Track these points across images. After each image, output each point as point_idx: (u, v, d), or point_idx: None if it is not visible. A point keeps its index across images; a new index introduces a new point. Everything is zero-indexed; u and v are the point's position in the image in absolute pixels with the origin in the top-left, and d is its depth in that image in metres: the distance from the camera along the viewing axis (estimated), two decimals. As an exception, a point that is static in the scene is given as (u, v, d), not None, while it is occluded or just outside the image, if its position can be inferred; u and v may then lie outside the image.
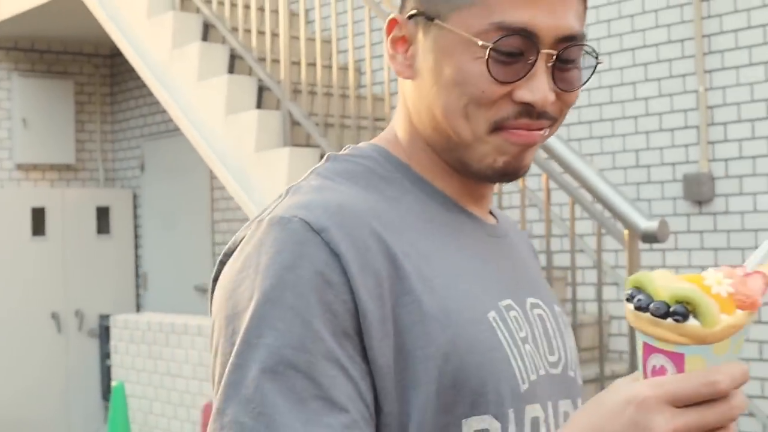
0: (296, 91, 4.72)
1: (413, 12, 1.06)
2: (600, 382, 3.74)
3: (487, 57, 0.99)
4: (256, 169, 4.66)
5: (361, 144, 1.12)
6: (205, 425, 4.99)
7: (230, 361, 0.92)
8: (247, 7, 4.96)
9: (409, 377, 0.94)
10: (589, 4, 4.61)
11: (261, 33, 4.92)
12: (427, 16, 1.04)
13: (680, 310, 0.78)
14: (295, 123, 4.60)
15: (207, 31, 5.24)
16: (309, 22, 5.57)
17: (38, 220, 7.31)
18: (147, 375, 5.91)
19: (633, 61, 4.62)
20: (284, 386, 0.89)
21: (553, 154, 3.62)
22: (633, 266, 3.49)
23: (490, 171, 1.04)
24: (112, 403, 5.72)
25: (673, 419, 0.79)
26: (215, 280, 1.02)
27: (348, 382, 0.91)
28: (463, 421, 0.96)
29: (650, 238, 3.38)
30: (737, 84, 4.27)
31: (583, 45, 1.03)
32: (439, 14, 1.03)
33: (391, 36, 1.08)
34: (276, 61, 4.77)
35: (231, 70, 5.07)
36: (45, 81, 7.61)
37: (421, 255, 1.00)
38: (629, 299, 0.82)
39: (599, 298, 3.77)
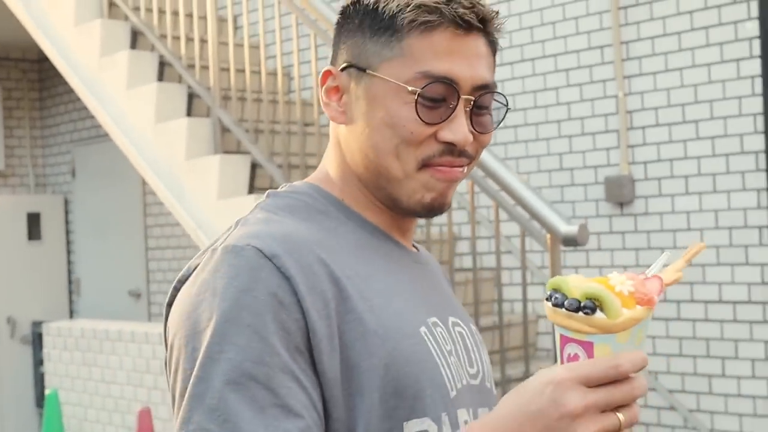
0: (226, 98, 4.76)
1: (346, 64, 1.19)
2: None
3: (415, 102, 1.13)
4: (187, 177, 4.69)
5: (296, 183, 1.24)
6: (140, 431, 5.01)
7: (193, 374, 1.02)
8: (175, 13, 4.97)
9: (355, 387, 1.06)
10: (513, 10, 4.74)
11: (190, 40, 4.95)
12: (359, 68, 1.18)
13: (589, 305, 0.94)
14: (225, 130, 4.64)
15: (136, 39, 5.24)
16: (237, 28, 5.61)
17: (-33, 228, 7.23)
18: (81, 382, 5.90)
19: (555, 66, 4.75)
20: (246, 396, 0.99)
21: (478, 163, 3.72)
22: (555, 268, 3.60)
23: (418, 206, 1.18)
24: (46, 411, 5.70)
25: (585, 397, 0.92)
26: (169, 304, 1.12)
27: (302, 392, 1.02)
28: (405, 423, 1.09)
29: (570, 241, 3.49)
30: (654, 89, 4.42)
31: (495, 93, 1.19)
32: (371, 65, 1.17)
33: (325, 86, 1.21)
34: (205, 67, 4.80)
35: (160, 77, 5.08)
36: (-28, 87, 7.54)
37: (361, 278, 1.12)
38: (548, 299, 0.97)
39: (524, 298, 3.88)
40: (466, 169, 1.19)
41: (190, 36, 4.96)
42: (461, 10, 1.14)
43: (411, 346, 1.11)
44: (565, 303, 0.95)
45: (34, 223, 7.52)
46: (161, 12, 5.04)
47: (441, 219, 4.88)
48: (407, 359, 1.10)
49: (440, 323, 1.19)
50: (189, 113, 4.91)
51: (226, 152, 4.62)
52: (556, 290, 0.97)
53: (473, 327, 1.30)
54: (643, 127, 4.46)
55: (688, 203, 4.34)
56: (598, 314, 0.94)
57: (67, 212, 7.74)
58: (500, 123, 1.22)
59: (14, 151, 7.84)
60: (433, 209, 1.19)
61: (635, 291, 0.95)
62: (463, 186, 4.68)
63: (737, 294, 4.23)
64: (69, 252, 7.72)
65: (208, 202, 4.56)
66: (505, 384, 3.79)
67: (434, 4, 1.14)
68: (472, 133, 1.16)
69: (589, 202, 4.67)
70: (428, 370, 1.12)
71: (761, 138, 4.12)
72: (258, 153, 4.44)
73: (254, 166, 4.52)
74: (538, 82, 4.82)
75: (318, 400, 1.04)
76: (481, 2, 1.18)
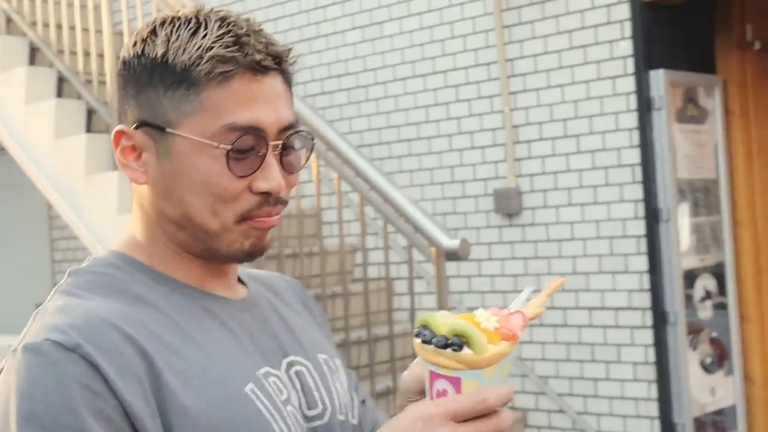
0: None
1: (138, 123, 1.13)
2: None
3: (226, 157, 1.09)
4: (86, 192, 4.73)
5: (101, 253, 1.19)
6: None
7: None
8: (72, 28, 5.01)
9: None
10: (405, 27, 4.88)
11: (87, 54, 4.99)
12: (156, 126, 1.12)
13: (456, 342, 0.97)
14: (123, 147, 4.67)
15: (34, 55, 5.26)
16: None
17: None
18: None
19: (445, 82, 4.90)
20: None
21: (360, 174, 3.86)
22: (440, 279, 3.75)
23: (239, 254, 1.15)
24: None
25: (454, 431, 0.96)
26: None
27: None
28: None
29: (452, 255, 3.64)
30: (538, 105, 4.60)
31: (301, 131, 1.17)
32: (170, 123, 1.11)
33: (120, 147, 1.15)
34: (103, 83, 4.85)
35: (59, 93, 5.11)
36: None
37: (171, 350, 1.07)
38: (416, 335, 1.00)
39: (412, 308, 4.02)
40: (281, 214, 1.17)
41: (87, 51, 4.99)
42: (257, 56, 1.11)
43: (237, 409, 1.07)
44: (433, 340, 0.97)
45: (-64, 237, 7.43)
46: (58, 27, 5.07)
47: (334, 230, 5.01)
48: (233, 426, 1.06)
49: (273, 371, 1.16)
50: (88, 129, 4.95)
51: (124, 168, 4.66)
52: (424, 327, 0.99)
53: (322, 356, 1.26)
54: (529, 141, 4.64)
55: (572, 214, 4.53)
56: (465, 350, 0.96)
57: (-29, 225, 7.67)
58: (308, 160, 1.22)
59: None
60: (254, 254, 1.16)
61: (500, 327, 0.98)
62: (354, 198, 4.81)
63: (619, 300, 4.43)
64: (-27, 265, 7.65)
65: (108, 217, 4.61)
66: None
67: (229, 54, 1.09)
68: (282, 174, 1.14)
69: (479, 214, 4.83)
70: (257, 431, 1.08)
71: (637, 151, 4.32)
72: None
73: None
74: (429, 97, 4.96)
75: None
76: (272, 41, 1.15)
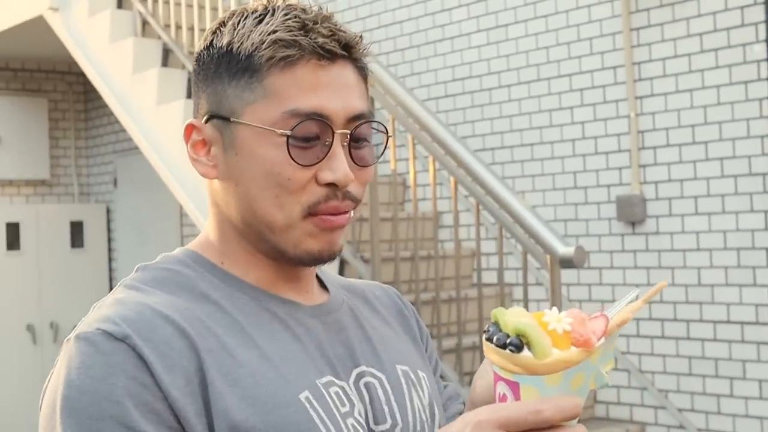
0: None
1: (207, 116, 1.10)
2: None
3: (287, 144, 1.05)
4: (211, 191, 4.83)
5: (174, 251, 1.17)
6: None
7: None
8: (202, 30, 5.12)
9: None
10: (531, 30, 4.81)
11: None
12: (222, 117, 1.09)
13: (515, 342, 0.87)
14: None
15: (167, 56, 5.41)
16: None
17: (13, 235, 7.48)
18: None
19: (570, 86, 4.81)
20: None
21: (476, 178, 3.81)
22: (555, 286, 3.67)
23: (306, 256, 1.09)
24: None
25: None
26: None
27: None
28: None
29: (567, 263, 3.56)
30: (665, 110, 4.45)
31: (372, 122, 1.11)
32: (234, 112, 1.08)
33: (190, 142, 1.12)
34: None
35: (189, 94, 5.24)
36: (19, 98, 7.79)
37: (226, 349, 1.03)
38: (485, 331, 0.91)
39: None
40: (352, 213, 1.11)
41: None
42: (321, 40, 1.06)
43: (285, 416, 1.02)
44: (495, 338, 0.89)
45: (77, 231, 7.75)
46: (190, 29, 5.19)
47: (452, 234, 4.97)
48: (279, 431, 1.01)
49: (338, 381, 1.10)
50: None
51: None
52: (494, 323, 0.91)
53: (402, 368, 1.19)
54: (655, 148, 4.50)
55: (698, 223, 4.37)
56: (525, 352, 0.87)
57: (109, 221, 7.96)
58: (383, 153, 1.14)
59: (59, 161, 8.09)
60: (323, 259, 1.11)
61: (572, 330, 0.88)
62: (472, 202, 4.77)
63: (745, 315, 4.25)
64: (110, 259, 7.94)
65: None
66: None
67: (291, 38, 1.06)
68: (352, 168, 1.08)
69: (602, 221, 4.71)
70: None
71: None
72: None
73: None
74: (553, 101, 4.88)
75: None
76: (342, 28, 1.10)
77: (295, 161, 1.05)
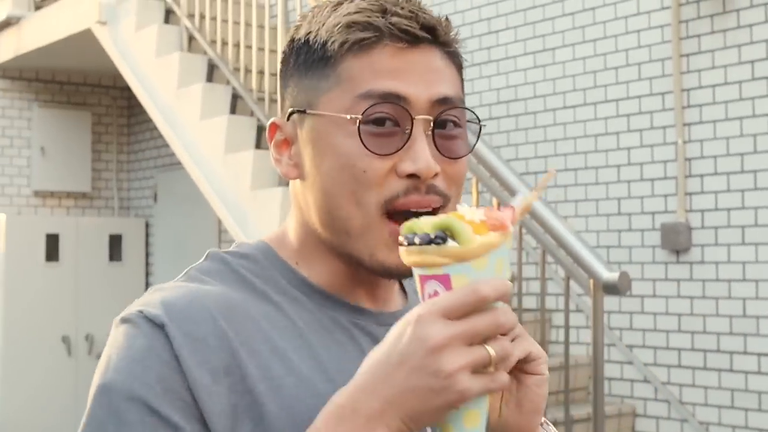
0: (292, 132, 4.87)
1: (289, 113, 1.05)
2: (565, 425, 3.85)
3: (358, 130, 0.97)
4: (251, 206, 4.83)
5: (250, 240, 1.12)
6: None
7: None
8: (248, 47, 5.14)
9: None
10: (578, 54, 4.76)
11: (261, 73, 5.10)
12: (299, 110, 1.03)
13: (440, 235, 0.88)
14: (288, 163, 4.75)
15: (212, 72, 5.43)
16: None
17: (52, 246, 7.52)
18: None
19: (617, 111, 4.75)
20: None
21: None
22: (597, 312, 3.60)
23: (381, 269, 1.02)
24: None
25: (446, 328, 0.84)
26: None
27: None
28: None
29: (611, 289, 3.50)
30: (714, 138, 4.39)
31: (463, 108, 1.02)
32: (310, 104, 1.02)
33: (273, 141, 1.08)
34: (274, 101, 4.94)
35: (233, 110, 5.25)
36: (64, 111, 7.86)
37: (275, 353, 0.98)
38: (401, 243, 0.91)
39: (567, 341, 3.87)
40: (439, 212, 1.00)
41: (261, 69, 5.11)
42: (399, 21, 0.99)
43: None
44: (416, 239, 0.89)
45: (115, 245, 7.78)
46: (236, 46, 5.21)
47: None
48: None
49: None
50: (258, 145, 5.07)
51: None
52: (408, 233, 0.91)
53: None
54: (702, 175, 4.43)
55: (744, 254, 4.29)
56: (450, 243, 0.88)
57: (147, 235, 7.99)
58: (475, 145, 1.06)
59: (101, 174, 8.15)
60: (400, 274, 1.02)
61: (486, 218, 0.90)
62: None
63: (791, 348, 4.16)
64: (148, 273, 7.96)
65: (265, 232, 4.68)
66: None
67: (366, 20, 0.99)
68: (438, 160, 0.99)
69: (645, 248, 4.64)
70: None
71: (819, 191, 4.06)
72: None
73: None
74: (599, 126, 4.83)
75: None
76: (425, 9, 1.02)
77: (369, 150, 0.97)
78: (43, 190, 7.79)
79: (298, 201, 1.08)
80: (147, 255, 8.00)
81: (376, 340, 1.02)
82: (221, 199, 5.02)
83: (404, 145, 0.97)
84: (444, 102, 0.99)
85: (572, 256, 3.63)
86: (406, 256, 0.90)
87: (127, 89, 8.17)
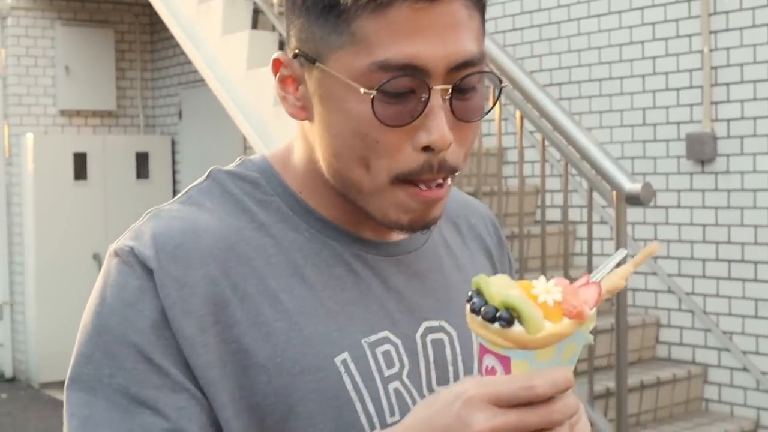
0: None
1: (296, 51, 0.98)
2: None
3: (372, 104, 0.92)
4: (274, 123, 4.83)
5: (253, 157, 1.07)
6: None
7: (79, 395, 0.95)
8: (269, -38, 5.08)
9: (242, 425, 0.95)
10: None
11: (282, -11, 5.06)
12: (308, 58, 0.96)
13: (505, 316, 0.81)
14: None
15: (232, -14, 5.38)
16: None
17: (80, 165, 7.58)
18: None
19: (642, 20, 4.68)
20: (135, 423, 0.92)
21: (544, 113, 3.74)
22: (620, 223, 3.59)
23: (395, 226, 0.99)
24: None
25: (493, 418, 0.80)
26: None
27: (198, 408, 0.93)
28: None
29: (634, 200, 3.48)
30: (741, 45, 4.32)
31: (482, 72, 0.96)
32: (320, 56, 0.95)
33: (278, 75, 1.01)
34: (296, 16, 4.89)
35: (254, 25, 5.21)
36: (87, 29, 7.84)
37: (267, 295, 0.97)
38: (468, 300, 0.85)
39: (590, 253, 3.86)
40: (450, 180, 0.98)
41: (282, -16, 5.06)
42: None
43: (312, 381, 0.95)
44: (482, 310, 0.83)
45: (142, 163, 7.84)
46: (256, -40, 5.15)
47: (514, 171, 4.91)
48: (301, 398, 0.95)
49: (394, 337, 1.02)
50: (279, 61, 5.03)
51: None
52: (477, 292, 0.85)
53: None
54: (728, 84, 4.37)
55: (770, 163, 4.26)
56: (516, 327, 0.81)
57: (173, 152, 8.03)
58: (491, 109, 0.99)
59: (125, 92, 8.15)
60: (414, 229, 0.99)
61: (563, 301, 0.82)
62: (538, 138, 4.69)
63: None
64: (175, 191, 8.02)
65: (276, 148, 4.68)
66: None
67: None
68: (452, 123, 0.94)
69: (671, 159, 4.61)
70: (332, 408, 0.96)
71: None
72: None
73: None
74: (623, 35, 4.76)
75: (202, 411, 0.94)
76: None
77: (382, 122, 0.92)
78: (69, 109, 7.81)
79: (306, 137, 1.02)
80: (174, 173, 8.04)
81: (378, 273, 1.03)
82: (244, 115, 5.02)
83: (420, 114, 0.92)
84: (464, 66, 0.93)
85: (595, 167, 3.61)
86: (469, 320, 0.85)
87: (149, 5, 8.11)
